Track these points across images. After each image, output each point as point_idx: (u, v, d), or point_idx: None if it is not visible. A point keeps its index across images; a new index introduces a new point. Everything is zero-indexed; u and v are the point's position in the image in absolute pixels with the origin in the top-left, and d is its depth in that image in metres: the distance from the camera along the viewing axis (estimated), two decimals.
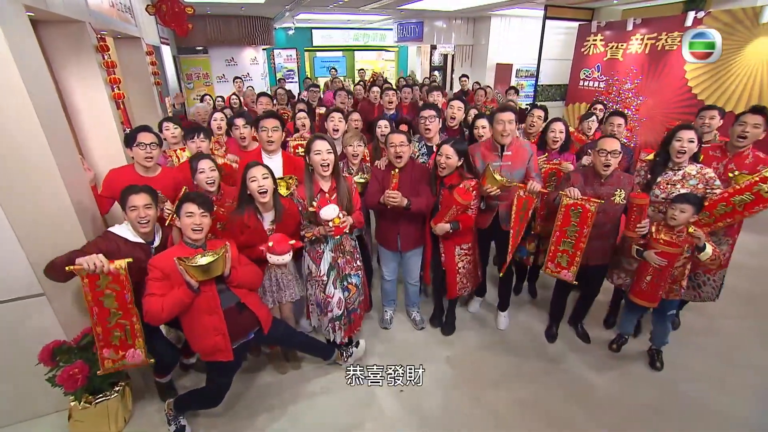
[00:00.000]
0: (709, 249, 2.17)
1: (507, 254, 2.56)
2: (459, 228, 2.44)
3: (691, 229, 2.20)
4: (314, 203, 2.23)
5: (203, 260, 1.76)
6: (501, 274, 2.78)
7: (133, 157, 2.37)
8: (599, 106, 3.70)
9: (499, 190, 2.37)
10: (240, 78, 6.40)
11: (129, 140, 2.34)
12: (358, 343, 2.65)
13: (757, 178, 2.15)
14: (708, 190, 2.32)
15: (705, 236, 2.20)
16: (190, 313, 1.89)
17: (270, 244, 2.06)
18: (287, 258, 2.11)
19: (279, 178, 2.52)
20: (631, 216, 2.31)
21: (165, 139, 2.98)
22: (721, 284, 2.72)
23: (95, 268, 1.75)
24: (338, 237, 2.34)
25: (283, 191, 2.43)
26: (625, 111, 5.69)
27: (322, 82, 9.62)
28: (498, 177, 2.33)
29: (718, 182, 2.33)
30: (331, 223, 2.15)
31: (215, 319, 1.92)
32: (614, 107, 5.91)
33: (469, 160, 2.51)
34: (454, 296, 2.76)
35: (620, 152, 2.31)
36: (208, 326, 1.92)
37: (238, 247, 2.09)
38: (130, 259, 1.85)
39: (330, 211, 2.15)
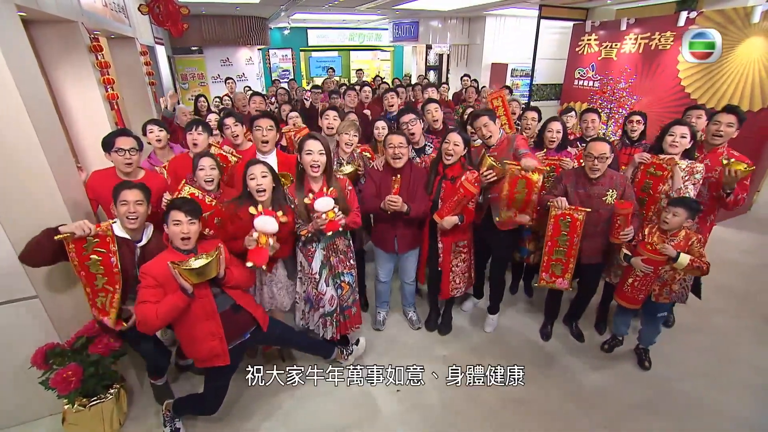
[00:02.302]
0: (683, 259, 2.16)
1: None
2: (464, 221, 2.44)
3: (659, 247, 2.21)
4: (310, 196, 2.15)
5: (197, 263, 1.74)
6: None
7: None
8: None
9: (496, 176, 2.39)
10: (232, 79, 6.32)
11: (107, 145, 2.18)
12: (358, 341, 2.64)
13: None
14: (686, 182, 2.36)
15: (681, 246, 2.21)
16: (185, 319, 1.85)
17: (260, 208, 1.97)
18: (270, 223, 1.97)
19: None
20: (615, 223, 2.33)
21: (149, 143, 2.85)
22: (694, 284, 2.71)
23: (83, 233, 1.79)
24: (331, 235, 2.26)
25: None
26: (620, 110, 5.73)
27: (318, 81, 9.59)
28: (492, 161, 2.36)
29: (698, 176, 2.37)
30: (324, 216, 2.09)
31: (212, 324, 1.89)
32: (609, 107, 5.95)
33: (470, 152, 2.55)
34: (447, 297, 2.77)
35: (608, 156, 2.30)
36: (204, 331, 1.89)
37: (224, 237, 2.07)
38: (116, 220, 1.92)
39: (325, 203, 2.09)
